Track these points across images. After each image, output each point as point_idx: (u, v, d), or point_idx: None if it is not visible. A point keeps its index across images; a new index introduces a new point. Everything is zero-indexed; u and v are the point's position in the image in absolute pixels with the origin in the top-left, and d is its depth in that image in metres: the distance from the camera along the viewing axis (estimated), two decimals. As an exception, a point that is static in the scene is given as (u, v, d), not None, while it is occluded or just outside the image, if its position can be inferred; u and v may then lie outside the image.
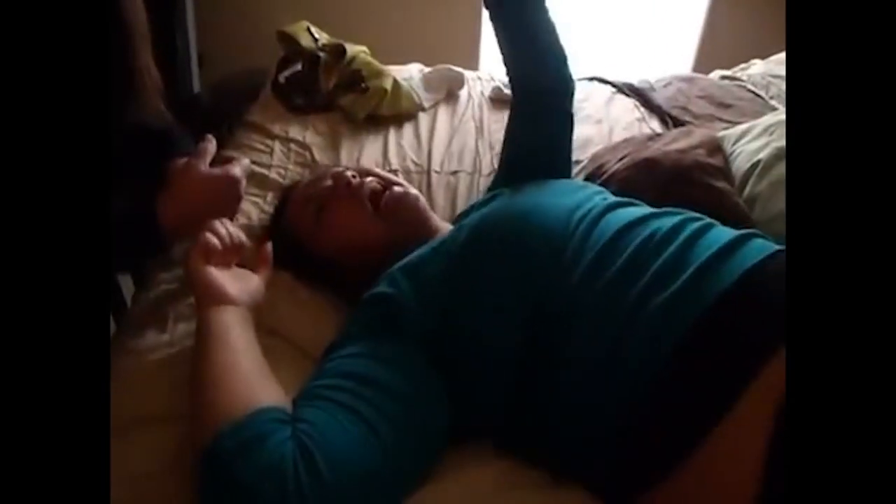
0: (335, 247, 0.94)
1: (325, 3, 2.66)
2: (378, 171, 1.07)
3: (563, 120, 1.11)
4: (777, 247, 0.76)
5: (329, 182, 0.98)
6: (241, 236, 0.85)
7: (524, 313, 0.75)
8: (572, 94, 1.12)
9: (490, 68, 1.73)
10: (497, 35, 1.07)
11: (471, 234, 0.82)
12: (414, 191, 1.01)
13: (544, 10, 1.06)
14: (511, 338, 0.74)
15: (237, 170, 0.93)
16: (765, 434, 0.59)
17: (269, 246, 0.90)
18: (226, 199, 0.93)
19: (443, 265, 0.81)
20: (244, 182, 0.94)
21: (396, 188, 0.97)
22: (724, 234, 0.79)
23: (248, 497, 0.59)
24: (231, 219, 0.92)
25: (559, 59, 1.08)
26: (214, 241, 0.80)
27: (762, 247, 0.76)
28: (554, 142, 1.10)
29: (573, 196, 0.88)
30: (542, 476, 0.74)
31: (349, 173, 0.97)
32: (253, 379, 0.69)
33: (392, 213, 0.95)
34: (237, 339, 0.72)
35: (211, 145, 0.95)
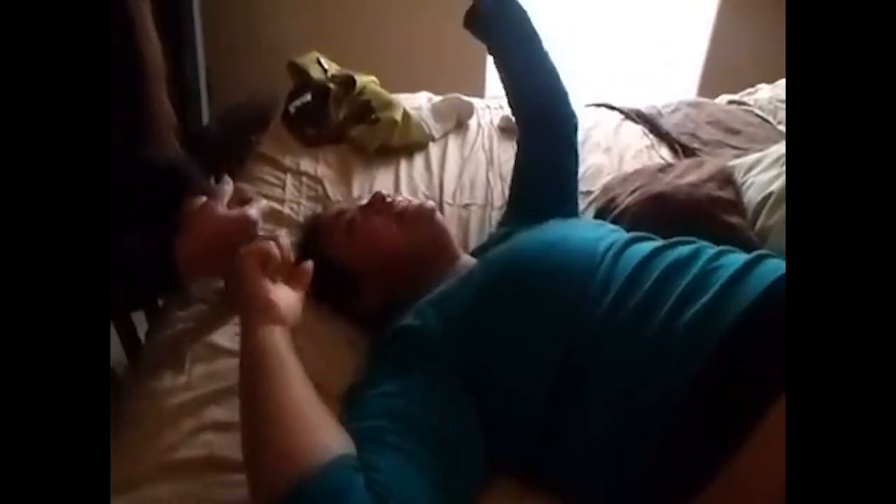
0: (363, 257, 0.97)
1: (334, 30, 2.69)
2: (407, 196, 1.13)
3: (569, 153, 1.15)
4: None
5: (364, 201, 1.04)
6: (292, 254, 0.85)
7: (552, 354, 0.76)
8: (576, 129, 1.17)
9: (497, 94, 1.75)
10: (501, 78, 1.13)
11: (499, 273, 0.85)
12: (432, 204, 1.07)
13: (544, 54, 1.12)
14: (539, 375, 0.76)
15: (254, 211, 0.93)
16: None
17: (308, 264, 0.85)
18: (240, 242, 0.93)
19: (470, 302, 0.82)
20: (261, 223, 0.95)
21: (416, 201, 1.04)
22: (738, 257, 0.80)
23: None
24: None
25: (561, 97, 1.14)
26: (275, 250, 0.78)
27: (776, 266, 0.77)
28: (560, 175, 1.14)
29: (595, 232, 0.91)
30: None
31: (384, 193, 1.03)
32: (319, 418, 0.67)
33: (412, 222, 0.99)
34: (294, 367, 0.69)
35: (228, 187, 0.96)
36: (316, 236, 1.04)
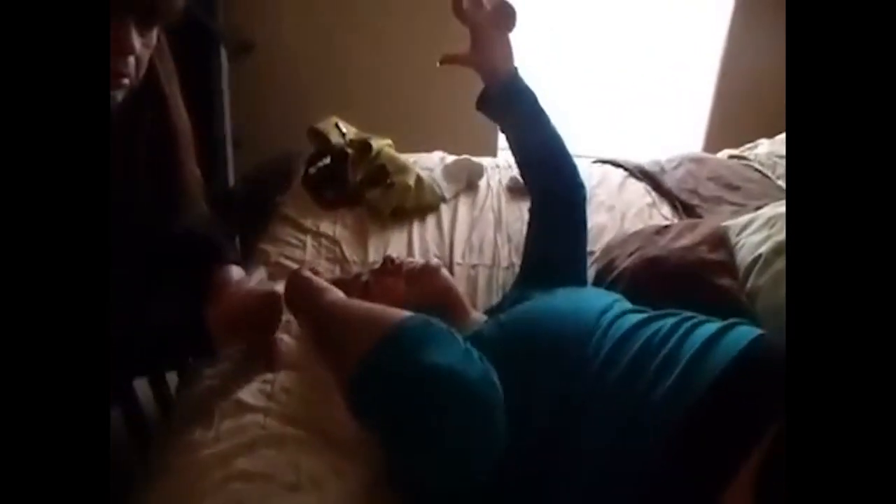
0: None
1: (351, 90, 2.83)
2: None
3: (578, 225, 1.23)
4: (758, 332, 0.85)
5: (377, 265, 1.16)
6: None
7: (551, 397, 0.84)
8: (584, 200, 1.24)
9: (507, 155, 1.84)
10: (513, 155, 1.22)
11: (511, 333, 0.94)
12: (437, 261, 1.19)
13: (553, 133, 1.21)
14: (539, 415, 0.83)
15: (280, 288, 1.03)
16: None
17: None
18: (268, 317, 1.03)
19: (484, 349, 0.89)
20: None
21: (422, 260, 1.17)
22: (709, 326, 0.87)
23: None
24: (272, 333, 1.02)
25: (570, 175, 1.23)
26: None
27: (742, 335, 0.83)
28: (570, 247, 1.22)
29: (602, 300, 0.99)
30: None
31: (394, 256, 1.16)
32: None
33: (419, 279, 1.10)
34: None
35: (259, 272, 1.06)
36: None
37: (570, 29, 2.83)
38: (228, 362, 1.09)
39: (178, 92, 1.23)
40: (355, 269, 1.28)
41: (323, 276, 1.14)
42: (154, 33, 0.86)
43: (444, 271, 1.16)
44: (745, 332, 0.84)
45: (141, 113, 0.95)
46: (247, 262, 1.49)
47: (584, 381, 0.84)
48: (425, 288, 1.10)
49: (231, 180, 2.58)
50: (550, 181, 1.22)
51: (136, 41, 0.81)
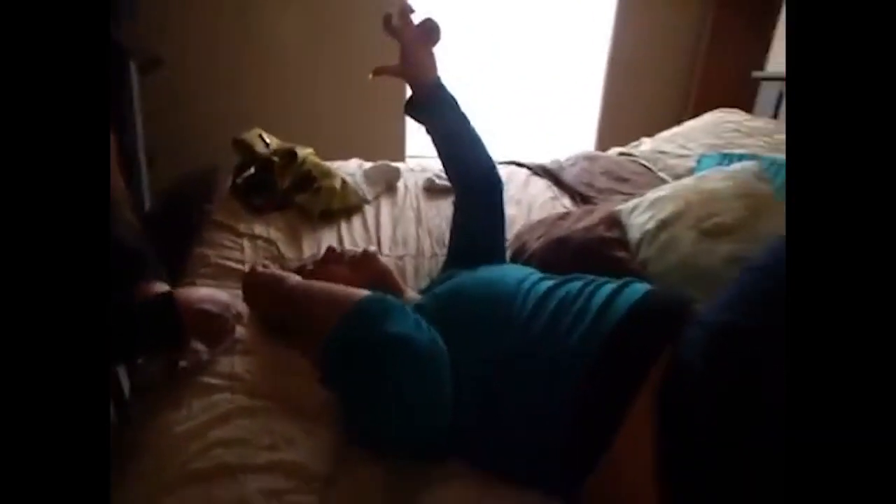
0: None
1: (265, 105, 2.91)
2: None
3: (497, 212, 1.39)
4: (645, 288, 1.03)
5: (320, 255, 1.29)
6: None
7: (487, 351, 0.99)
8: (502, 193, 1.40)
9: (416, 155, 2.00)
10: (438, 155, 1.38)
11: (449, 299, 1.09)
12: (373, 248, 1.34)
13: (474, 134, 1.36)
14: (478, 366, 0.97)
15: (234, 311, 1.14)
16: (654, 427, 0.83)
17: None
18: (216, 332, 1.13)
19: (425, 318, 1.03)
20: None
21: (361, 249, 1.31)
22: (610, 285, 1.05)
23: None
24: (218, 344, 1.14)
25: (490, 171, 1.39)
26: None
27: (635, 290, 1.02)
28: (492, 232, 1.38)
29: (518, 272, 1.15)
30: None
31: (334, 246, 1.31)
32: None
33: (360, 265, 1.25)
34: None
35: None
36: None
37: (472, 43, 3.04)
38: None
39: None
40: (294, 264, 1.39)
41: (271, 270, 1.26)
42: None
43: (381, 257, 1.30)
44: (640, 287, 1.03)
45: None
46: (178, 272, 1.57)
47: (513, 334, 0.99)
48: (366, 272, 1.24)
49: (146, 193, 2.61)
50: (472, 174, 1.37)
51: None
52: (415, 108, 1.34)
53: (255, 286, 1.19)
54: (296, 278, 1.15)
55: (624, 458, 0.86)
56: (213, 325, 1.13)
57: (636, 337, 0.93)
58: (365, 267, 1.25)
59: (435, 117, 1.34)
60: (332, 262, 1.25)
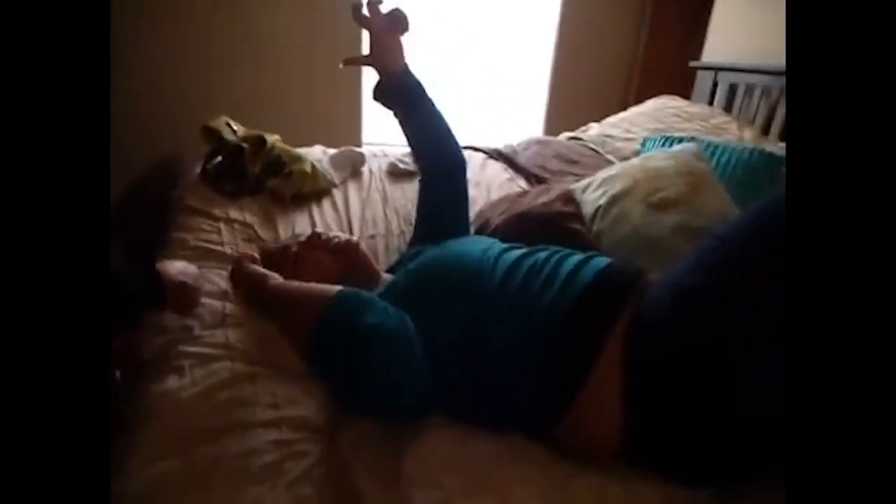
0: (313, 276, 1.25)
1: (224, 93, 2.94)
2: (335, 231, 1.44)
3: (461, 190, 1.48)
4: (608, 260, 1.15)
5: (303, 237, 1.36)
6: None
7: (462, 313, 1.09)
8: (465, 171, 1.50)
9: (373, 143, 2.09)
10: (405, 136, 1.45)
11: (421, 272, 1.19)
12: (356, 239, 1.38)
13: (438, 116, 1.45)
14: (455, 329, 1.08)
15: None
16: (621, 372, 0.96)
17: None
18: (191, 301, 1.23)
19: (400, 294, 1.15)
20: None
21: (344, 236, 1.36)
22: (576, 256, 1.18)
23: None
24: (191, 312, 1.23)
25: (454, 150, 1.48)
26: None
27: (600, 261, 1.15)
28: (455, 207, 1.47)
29: (482, 243, 1.25)
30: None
31: (317, 230, 1.36)
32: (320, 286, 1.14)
33: (343, 253, 1.32)
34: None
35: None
36: (270, 265, 1.32)
37: (426, 34, 3.13)
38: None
39: None
40: (273, 245, 1.47)
41: (255, 255, 1.35)
42: None
43: (363, 246, 1.38)
44: (603, 259, 1.16)
45: None
46: (151, 257, 1.63)
47: (485, 298, 1.10)
48: (348, 260, 1.32)
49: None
50: (438, 154, 1.47)
51: None
52: (383, 94, 1.41)
53: (241, 276, 1.28)
54: (276, 279, 1.22)
55: (594, 398, 0.98)
56: (189, 295, 1.23)
57: (604, 295, 1.06)
58: (347, 255, 1.33)
59: (402, 102, 1.42)
60: (317, 248, 1.33)
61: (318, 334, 1.07)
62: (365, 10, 1.30)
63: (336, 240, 1.35)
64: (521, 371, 1.04)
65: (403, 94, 1.41)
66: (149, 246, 1.71)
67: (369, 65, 1.37)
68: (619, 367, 0.97)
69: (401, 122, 1.45)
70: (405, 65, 1.39)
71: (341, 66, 1.37)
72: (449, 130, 1.47)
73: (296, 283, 1.21)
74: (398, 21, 1.32)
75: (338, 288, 1.12)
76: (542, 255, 1.19)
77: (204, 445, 0.98)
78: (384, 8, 1.32)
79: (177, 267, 1.25)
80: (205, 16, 2.86)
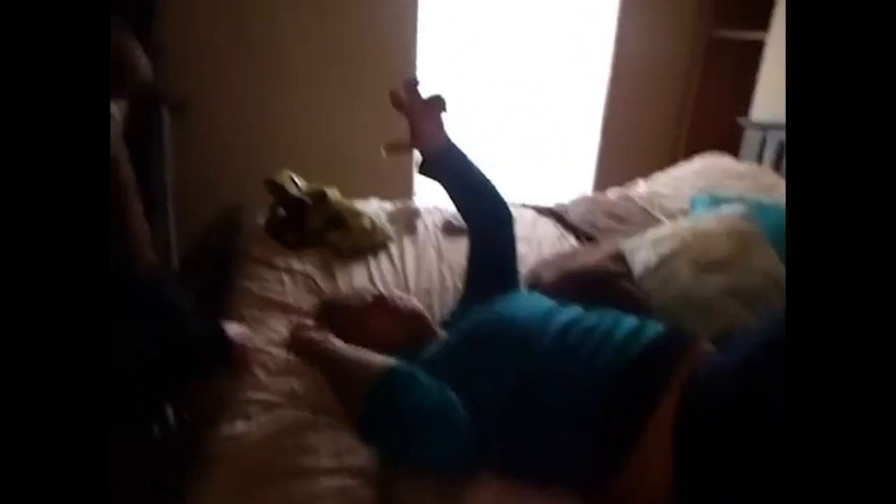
0: (375, 337, 1.32)
1: (284, 146, 3.09)
2: (399, 293, 1.49)
3: (509, 247, 1.53)
4: (662, 326, 1.18)
5: (371, 299, 1.41)
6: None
7: (513, 374, 1.14)
8: (513, 226, 1.53)
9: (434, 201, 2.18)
10: (453, 203, 1.50)
11: (471, 334, 1.25)
12: (421, 307, 1.43)
13: (484, 182, 1.48)
14: (506, 389, 1.13)
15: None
16: (673, 435, 0.99)
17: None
18: (248, 363, 1.32)
19: (452, 355, 1.21)
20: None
21: (409, 304, 1.42)
22: (630, 321, 1.21)
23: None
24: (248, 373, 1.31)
25: (502, 210, 1.51)
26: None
27: (655, 327, 1.19)
28: (503, 264, 1.52)
29: (531, 303, 1.31)
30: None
31: (386, 293, 1.42)
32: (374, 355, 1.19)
33: (408, 321, 1.38)
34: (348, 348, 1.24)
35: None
36: (332, 320, 1.39)
37: (473, 87, 3.25)
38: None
39: (126, 156, 1.41)
40: (335, 300, 1.53)
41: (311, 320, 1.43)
42: (124, 102, 1.02)
43: (426, 313, 1.43)
44: (657, 327, 1.19)
45: None
46: (219, 302, 1.72)
47: (536, 359, 1.15)
48: (411, 328, 1.37)
49: (172, 232, 2.77)
50: (483, 215, 1.50)
51: (115, 110, 0.97)
52: (428, 171, 1.42)
53: (300, 343, 1.32)
54: (333, 343, 1.25)
55: (646, 459, 1.01)
56: (248, 358, 1.33)
57: (659, 360, 1.09)
58: (411, 324, 1.38)
59: (447, 176, 1.44)
60: (383, 314, 1.38)
61: (365, 415, 1.13)
62: (403, 95, 1.29)
63: (402, 307, 1.40)
64: (573, 430, 1.07)
65: (447, 169, 1.42)
66: (216, 294, 1.81)
67: (412, 148, 1.36)
68: (671, 430, 1.00)
69: (447, 190, 1.48)
70: (446, 140, 1.39)
71: (383, 152, 1.35)
72: (494, 191, 1.50)
73: (351, 352, 1.23)
74: (436, 104, 1.31)
75: (386, 365, 1.16)
76: (594, 318, 1.22)
77: (269, 489, 1.04)
78: (422, 92, 1.30)
79: (236, 329, 1.34)
80: (271, 74, 3.03)
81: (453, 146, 1.42)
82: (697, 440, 0.98)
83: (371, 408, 1.12)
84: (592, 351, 1.13)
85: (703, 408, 1.00)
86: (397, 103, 1.29)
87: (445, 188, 1.49)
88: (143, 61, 0.99)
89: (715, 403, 0.99)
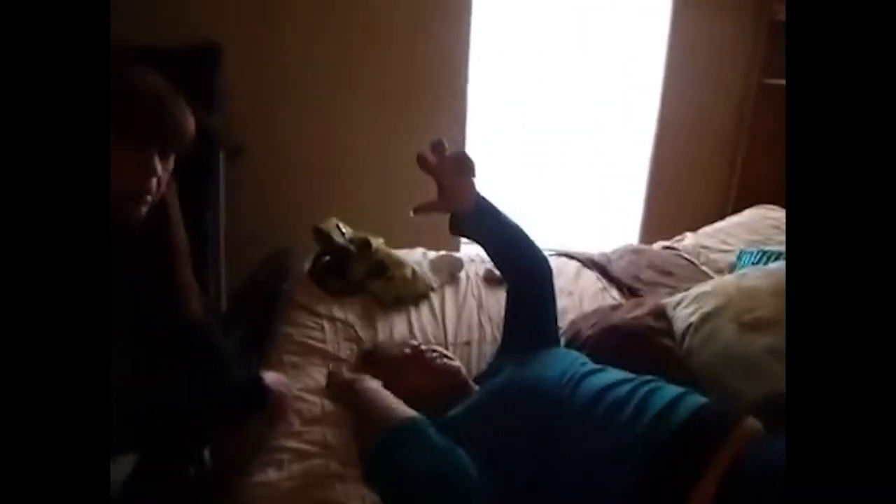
0: (403, 395, 1.30)
1: (332, 193, 3.16)
2: (437, 348, 1.50)
3: (545, 301, 1.51)
4: (703, 401, 1.15)
5: (409, 351, 1.43)
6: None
7: (536, 443, 1.12)
8: (551, 279, 1.52)
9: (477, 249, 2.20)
10: (487, 254, 1.52)
11: (495, 397, 1.25)
12: (457, 364, 1.43)
13: (519, 235, 1.48)
14: (529, 457, 1.11)
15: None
16: None
17: None
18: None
19: (474, 418, 1.20)
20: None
21: (446, 360, 1.42)
22: (669, 390, 1.17)
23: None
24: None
25: (538, 264, 1.50)
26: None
27: (697, 399, 1.15)
28: (541, 318, 1.50)
29: (564, 363, 1.29)
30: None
31: (423, 348, 1.44)
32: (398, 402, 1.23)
33: (443, 377, 1.38)
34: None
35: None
36: (370, 369, 1.42)
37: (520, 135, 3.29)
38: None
39: (176, 205, 1.45)
40: (386, 349, 1.55)
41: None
42: (172, 159, 1.04)
43: (462, 369, 1.44)
44: (698, 399, 1.15)
45: (149, 226, 1.07)
46: (262, 346, 1.76)
47: (562, 424, 1.13)
48: (446, 384, 1.37)
49: (223, 274, 2.84)
50: (519, 269, 1.50)
51: (159, 166, 0.99)
52: (458, 230, 1.41)
53: (334, 382, 1.39)
54: (366, 385, 1.32)
55: None
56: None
57: (701, 436, 1.05)
58: (445, 380, 1.38)
59: (477, 233, 1.45)
60: (417, 366, 1.40)
61: (371, 461, 1.16)
62: (430, 157, 1.27)
63: (438, 362, 1.41)
64: (603, 502, 1.05)
65: (478, 228, 1.41)
66: (259, 337, 1.85)
67: (440, 210, 1.35)
68: None
69: (481, 246, 1.50)
70: (476, 199, 1.36)
71: (412, 214, 1.33)
72: (530, 246, 1.49)
73: (380, 396, 1.28)
74: (463, 163, 1.30)
75: (406, 416, 1.19)
76: (629, 386, 1.19)
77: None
78: (449, 151, 1.29)
79: (274, 377, 1.37)
80: (325, 119, 3.12)
81: (484, 203, 1.39)
82: None
83: (377, 455, 1.14)
84: (625, 421, 1.10)
85: (748, 498, 0.96)
86: (424, 165, 1.27)
87: (479, 243, 1.51)
88: (184, 117, 1.03)
89: (762, 496, 0.94)
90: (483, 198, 1.39)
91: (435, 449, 1.11)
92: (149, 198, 1.01)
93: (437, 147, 1.27)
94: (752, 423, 1.09)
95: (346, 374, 1.37)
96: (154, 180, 1.00)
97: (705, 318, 1.54)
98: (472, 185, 1.34)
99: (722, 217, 2.72)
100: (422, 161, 1.27)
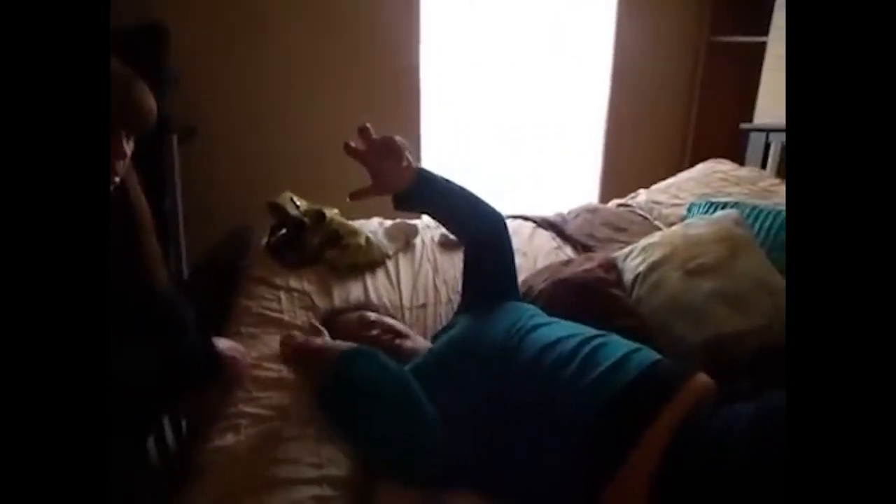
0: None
1: (290, 169, 3.15)
2: (387, 321, 1.53)
3: (502, 257, 1.52)
4: (656, 357, 1.16)
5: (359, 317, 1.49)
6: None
7: (484, 395, 1.16)
8: (504, 236, 1.52)
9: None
10: (441, 224, 1.55)
11: (444, 352, 1.29)
12: (398, 341, 1.45)
13: (465, 200, 1.47)
14: (478, 409, 1.14)
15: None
16: (653, 472, 0.98)
17: None
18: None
19: (425, 372, 1.23)
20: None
21: (386, 337, 1.45)
22: (620, 346, 1.18)
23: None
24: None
25: (487, 218, 1.50)
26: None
27: (648, 356, 1.16)
28: (497, 273, 1.51)
29: (514, 316, 1.31)
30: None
31: (371, 319, 1.49)
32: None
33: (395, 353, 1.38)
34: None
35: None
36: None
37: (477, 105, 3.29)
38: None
39: (136, 183, 1.47)
40: (326, 312, 1.59)
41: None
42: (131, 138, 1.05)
43: (404, 343, 1.46)
44: (649, 355, 1.17)
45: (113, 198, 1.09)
46: (220, 320, 1.76)
47: (509, 375, 1.16)
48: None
49: (183, 253, 2.83)
50: (472, 231, 1.50)
51: (127, 147, 1.01)
52: (401, 207, 1.38)
53: (286, 347, 1.41)
54: (318, 339, 1.39)
55: (622, 494, 1.00)
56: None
57: (639, 399, 1.07)
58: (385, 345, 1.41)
59: (423, 206, 1.44)
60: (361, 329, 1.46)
61: (327, 384, 1.22)
62: (355, 143, 1.26)
63: (382, 339, 1.44)
64: (549, 454, 1.06)
65: (420, 202, 1.40)
66: (218, 312, 1.85)
67: (376, 194, 1.33)
68: (652, 467, 0.98)
69: (429, 216, 1.51)
70: (413, 175, 1.33)
71: (349, 200, 1.31)
72: (481, 206, 1.48)
73: (334, 342, 1.36)
74: (391, 147, 1.28)
75: (347, 345, 1.28)
76: (578, 338, 1.20)
77: (251, 498, 1.07)
78: (374, 135, 1.27)
79: (226, 344, 1.38)
80: (277, 98, 3.10)
81: (424, 176, 1.37)
82: (681, 483, 0.96)
83: (333, 376, 1.21)
84: (571, 376, 1.12)
85: (694, 463, 0.97)
86: (351, 152, 1.26)
87: (427, 214, 1.52)
88: (148, 100, 1.03)
89: (709, 461, 0.95)
90: (424, 171, 1.37)
91: (388, 366, 1.18)
92: (116, 179, 1.03)
93: (364, 133, 1.26)
94: (705, 378, 1.12)
95: (297, 339, 1.39)
96: (122, 162, 1.02)
97: (652, 267, 1.58)
98: (405, 165, 1.30)
99: (679, 172, 2.76)
100: (348, 150, 1.25)
